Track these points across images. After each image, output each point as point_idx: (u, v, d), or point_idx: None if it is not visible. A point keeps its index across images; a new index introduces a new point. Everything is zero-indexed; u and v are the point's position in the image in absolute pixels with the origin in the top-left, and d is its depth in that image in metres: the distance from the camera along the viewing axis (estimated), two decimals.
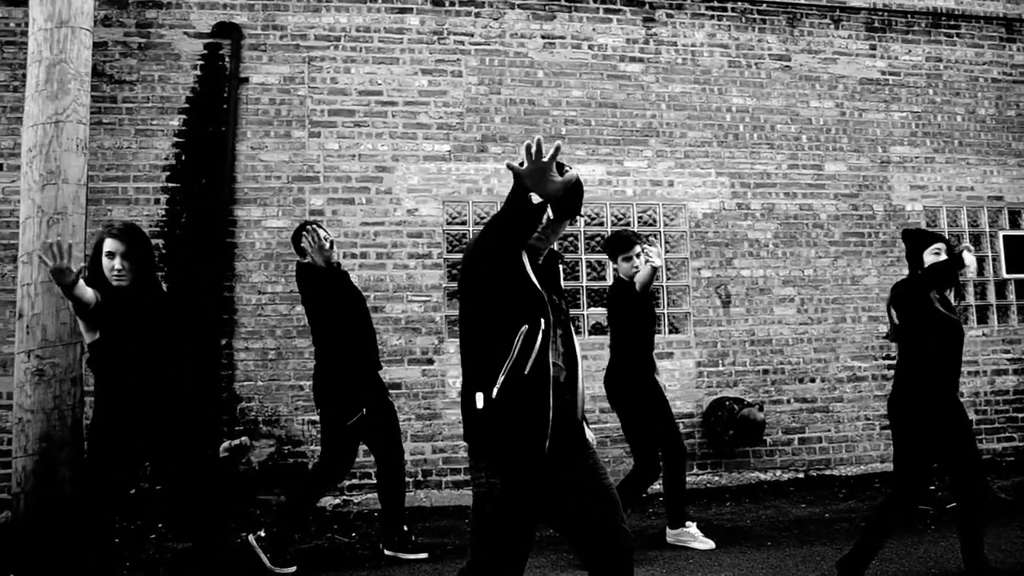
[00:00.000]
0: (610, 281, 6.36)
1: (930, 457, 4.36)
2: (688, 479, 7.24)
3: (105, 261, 4.04)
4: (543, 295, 2.79)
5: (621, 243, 5.50)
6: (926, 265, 4.46)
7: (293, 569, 5.02)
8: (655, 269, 5.20)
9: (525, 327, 2.72)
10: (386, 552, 5.35)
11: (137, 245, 4.09)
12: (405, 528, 5.39)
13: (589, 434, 3.01)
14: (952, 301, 4.61)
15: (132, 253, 4.05)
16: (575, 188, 2.82)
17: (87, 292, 3.91)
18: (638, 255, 5.39)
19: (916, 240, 4.57)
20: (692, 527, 5.47)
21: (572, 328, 2.98)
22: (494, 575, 2.73)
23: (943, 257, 4.43)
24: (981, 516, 4.37)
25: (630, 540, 2.82)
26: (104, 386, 4.08)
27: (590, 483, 2.82)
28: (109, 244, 4.04)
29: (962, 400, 7.69)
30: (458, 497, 6.77)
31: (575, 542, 2.84)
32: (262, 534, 5.06)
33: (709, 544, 5.39)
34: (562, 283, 3.07)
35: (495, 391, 2.70)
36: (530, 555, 2.87)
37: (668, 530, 5.50)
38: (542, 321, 2.75)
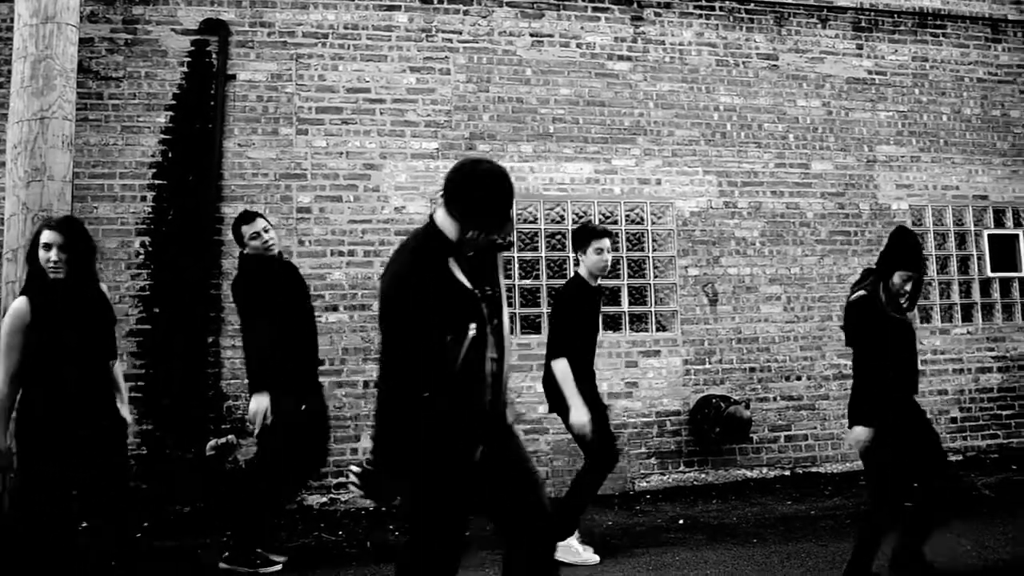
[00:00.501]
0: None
1: (895, 455, 4.31)
2: (674, 476, 7.29)
3: (41, 253, 4.00)
4: (477, 300, 2.78)
5: (591, 233, 5.33)
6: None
7: (278, 568, 5.00)
8: None
9: (450, 337, 2.72)
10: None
11: (75, 238, 4.06)
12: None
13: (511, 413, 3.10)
14: (903, 304, 4.53)
15: (69, 246, 4.01)
16: (507, 200, 2.80)
17: None
18: (609, 249, 5.25)
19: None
20: (574, 540, 5.19)
21: (505, 317, 2.99)
22: (438, 561, 2.81)
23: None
24: (933, 518, 4.35)
25: (552, 519, 2.93)
26: (38, 377, 3.98)
27: (517, 469, 2.93)
28: (46, 236, 4.01)
29: (947, 397, 7.76)
30: None
31: (499, 523, 2.96)
32: (227, 555, 4.95)
33: (594, 559, 5.15)
34: (500, 272, 3.04)
35: (425, 395, 2.73)
36: (466, 554, 2.99)
37: None
38: (473, 326, 2.75)
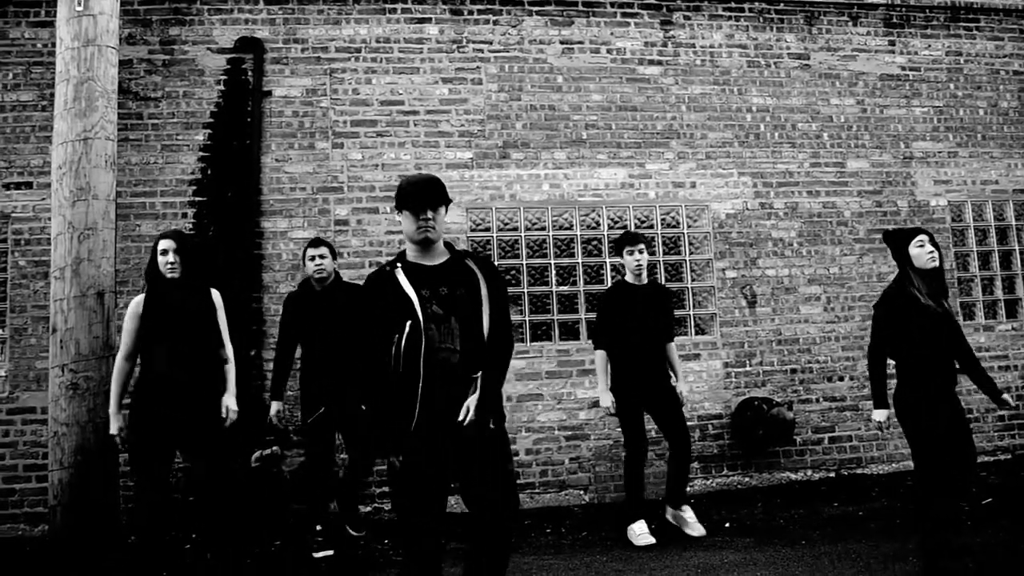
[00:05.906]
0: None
1: (933, 444, 4.42)
2: (718, 480, 7.24)
3: (160, 258, 4.85)
4: (410, 301, 3.30)
5: (628, 238, 5.95)
6: (912, 257, 4.62)
7: (330, 553, 5.60)
8: None
9: (396, 335, 3.28)
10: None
11: (185, 246, 4.92)
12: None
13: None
14: (945, 297, 4.68)
15: (181, 251, 4.86)
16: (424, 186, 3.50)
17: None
18: (640, 251, 5.85)
19: (899, 238, 4.74)
20: (633, 525, 5.81)
21: (485, 315, 3.39)
22: (412, 516, 3.31)
23: (928, 248, 4.59)
24: (930, 526, 4.43)
25: (507, 509, 3.39)
26: (144, 355, 4.87)
27: (485, 463, 3.36)
28: (163, 244, 4.87)
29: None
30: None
31: (468, 506, 3.43)
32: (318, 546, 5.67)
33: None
34: (478, 277, 3.47)
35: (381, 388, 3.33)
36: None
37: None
38: (407, 324, 3.27)
